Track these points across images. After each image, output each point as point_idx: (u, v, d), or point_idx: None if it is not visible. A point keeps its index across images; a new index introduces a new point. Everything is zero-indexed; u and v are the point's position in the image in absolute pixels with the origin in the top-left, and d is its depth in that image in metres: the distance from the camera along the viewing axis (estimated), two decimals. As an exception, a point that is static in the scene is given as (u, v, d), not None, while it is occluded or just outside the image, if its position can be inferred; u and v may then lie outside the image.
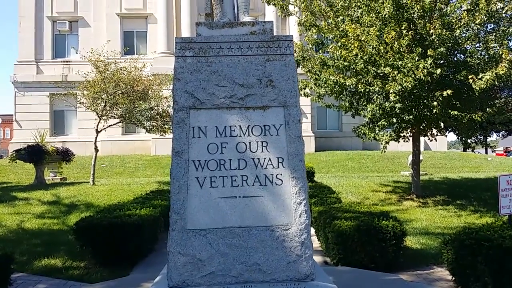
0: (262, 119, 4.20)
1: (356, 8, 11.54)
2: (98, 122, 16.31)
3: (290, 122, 4.20)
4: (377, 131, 12.05)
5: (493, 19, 10.85)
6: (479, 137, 12.48)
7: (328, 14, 12.03)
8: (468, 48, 11.10)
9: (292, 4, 13.28)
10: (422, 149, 16.39)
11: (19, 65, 28.94)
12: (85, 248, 7.58)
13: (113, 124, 17.17)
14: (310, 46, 12.78)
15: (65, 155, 17.14)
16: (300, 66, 12.54)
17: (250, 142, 4.17)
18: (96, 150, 16.48)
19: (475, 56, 10.88)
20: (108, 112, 16.20)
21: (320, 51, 12.78)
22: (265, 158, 4.15)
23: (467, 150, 12.42)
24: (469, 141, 12.41)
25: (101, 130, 16.59)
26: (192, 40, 4.26)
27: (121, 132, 27.44)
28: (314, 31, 12.29)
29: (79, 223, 7.64)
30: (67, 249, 8.23)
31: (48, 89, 27.12)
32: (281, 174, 4.13)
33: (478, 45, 11.15)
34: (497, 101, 11.67)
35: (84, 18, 29.55)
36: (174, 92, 4.19)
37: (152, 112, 16.44)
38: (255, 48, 4.26)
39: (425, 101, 10.82)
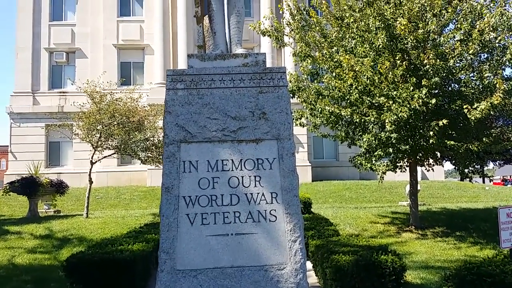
0: (255, 152, 4.08)
1: (350, 39, 11.62)
2: (93, 154, 16.16)
3: (283, 155, 4.08)
4: (373, 161, 11.96)
5: (487, 49, 10.91)
6: (476, 166, 12.42)
7: (323, 45, 12.11)
8: (463, 78, 11.12)
9: (287, 35, 13.39)
10: (419, 178, 16.28)
11: (15, 96, 28.92)
12: (76, 286, 7.32)
13: (108, 155, 17.02)
14: (305, 76, 12.81)
15: (59, 187, 16.92)
16: (296, 96, 12.53)
17: (242, 177, 4.04)
18: (90, 182, 16.27)
19: (470, 86, 10.89)
20: (103, 143, 16.08)
21: (316, 81, 12.80)
22: (258, 193, 4.01)
23: (465, 179, 12.25)
24: (466, 170, 12.32)
25: (96, 162, 16.43)
26: (183, 73, 4.18)
27: (117, 163, 27.25)
28: (309, 61, 12.35)
29: (70, 259, 7.41)
30: (58, 286, 7.98)
31: (44, 120, 26.99)
32: (275, 210, 3.99)
33: (472, 74, 11.18)
34: (493, 130, 11.62)
35: (81, 49, 29.75)
36: (164, 126, 4.09)
37: (147, 143, 16.33)
38: (248, 80, 4.18)
39: (421, 131, 10.76)
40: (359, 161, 12.37)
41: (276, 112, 4.16)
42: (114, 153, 17.14)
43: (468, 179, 12.84)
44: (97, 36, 29.50)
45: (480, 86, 10.76)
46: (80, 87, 16.62)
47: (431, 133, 10.28)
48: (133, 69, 29.84)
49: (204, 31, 4.69)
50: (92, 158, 16.17)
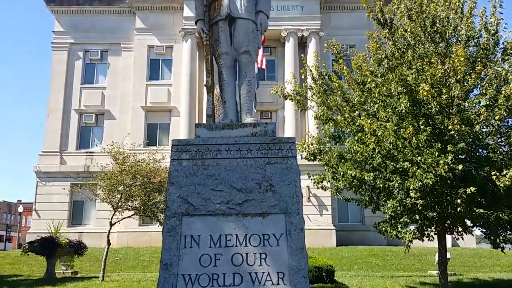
0: (261, 227, 3.80)
1: (372, 104, 11.48)
2: (113, 214, 16.10)
3: (291, 231, 3.79)
4: (399, 229, 11.40)
5: (513, 115, 10.56)
6: (508, 235, 11.78)
7: (345, 108, 12.01)
8: (490, 143, 10.72)
9: (309, 99, 13.39)
10: (449, 245, 15.50)
11: (43, 155, 29.53)
12: None
13: (128, 217, 16.92)
14: (327, 139, 12.64)
15: (77, 248, 16.79)
16: (317, 159, 12.31)
17: (247, 254, 3.74)
18: (108, 244, 16.09)
19: (498, 152, 10.47)
20: (124, 204, 16.04)
21: (338, 144, 12.59)
22: (263, 273, 3.69)
23: (498, 248, 11.55)
24: (497, 240, 11.66)
25: (115, 223, 16.32)
26: (189, 143, 4.04)
27: (138, 223, 27.03)
28: (331, 124, 12.23)
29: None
30: None
31: (70, 180, 27.29)
32: (281, 293, 3.64)
33: (500, 140, 10.78)
34: (525, 198, 10.98)
35: (110, 111, 30.53)
36: (167, 197, 3.90)
37: (167, 204, 16.20)
38: (255, 151, 3.99)
39: (448, 198, 10.27)
40: (384, 228, 11.82)
41: (284, 184, 3.91)
42: (134, 214, 17.03)
43: (500, 249, 12.05)
44: (126, 99, 30.32)
45: (509, 152, 10.33)
46: (104, 148, 16.85)
47: (458, 200, 9.77)
48: (159, 130, 30.30)
49: (214, 100, 4.60)
50: (111, 219, 16.08)
